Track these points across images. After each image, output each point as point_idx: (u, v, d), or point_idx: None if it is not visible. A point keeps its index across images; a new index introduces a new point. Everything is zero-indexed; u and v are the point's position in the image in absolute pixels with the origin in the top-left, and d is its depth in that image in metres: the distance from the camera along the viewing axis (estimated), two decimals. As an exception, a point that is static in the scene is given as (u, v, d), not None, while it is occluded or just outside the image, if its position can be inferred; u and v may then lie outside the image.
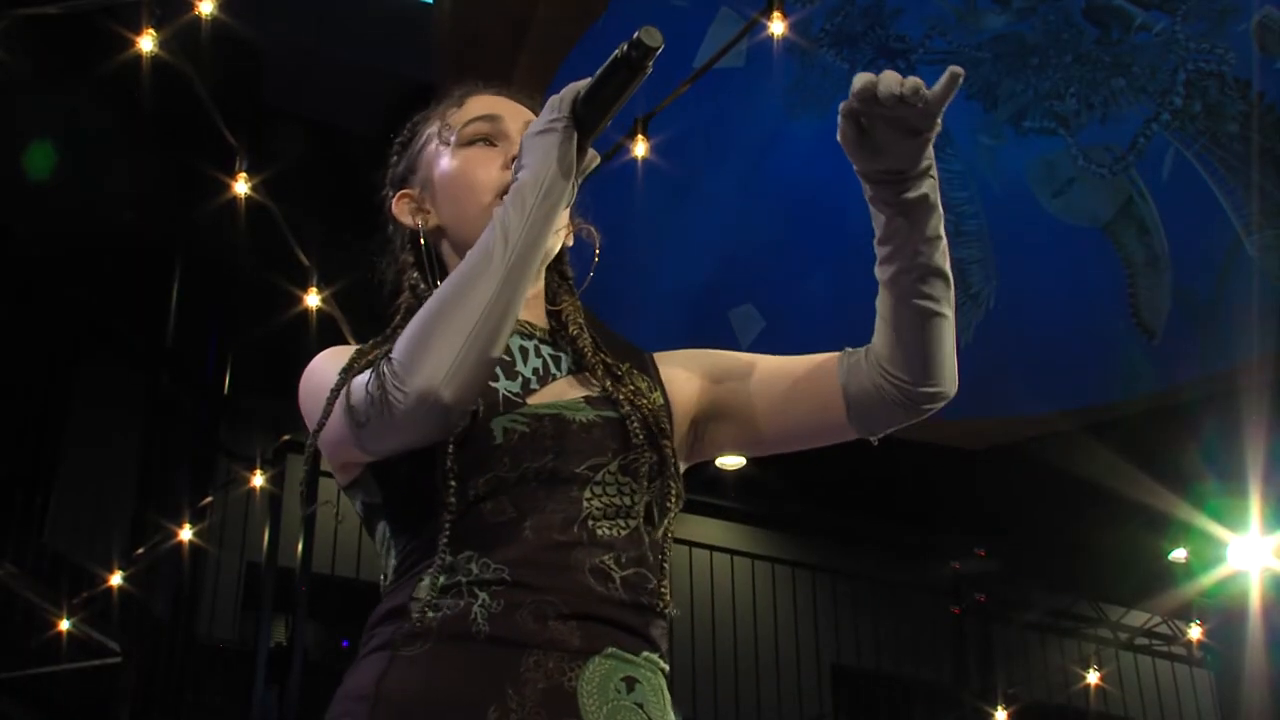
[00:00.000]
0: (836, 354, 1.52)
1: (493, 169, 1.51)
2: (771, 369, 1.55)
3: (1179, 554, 8.03)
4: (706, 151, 6.14)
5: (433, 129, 1.59)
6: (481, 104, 1.58)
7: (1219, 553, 6.50)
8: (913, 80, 1.33)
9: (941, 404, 1.49)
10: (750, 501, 8.51)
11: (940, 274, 1.44)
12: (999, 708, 7.93)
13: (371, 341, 1.49)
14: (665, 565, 1.47)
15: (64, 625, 5.68)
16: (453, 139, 1.55)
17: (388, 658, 1.34)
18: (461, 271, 1.33)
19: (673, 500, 1.46)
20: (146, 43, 4.45)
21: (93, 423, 6.85)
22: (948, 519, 8.22)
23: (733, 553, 8.15)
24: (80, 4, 4.64)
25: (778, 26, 4.16)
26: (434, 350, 1.29)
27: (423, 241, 1.55)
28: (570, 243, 1.61)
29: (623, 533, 1.40)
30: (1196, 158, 6.11)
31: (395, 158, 1.63)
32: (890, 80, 1.33)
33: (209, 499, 6.73)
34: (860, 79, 1.34)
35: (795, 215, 6.27)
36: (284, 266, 5.46)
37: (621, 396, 1.45)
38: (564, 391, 1.48)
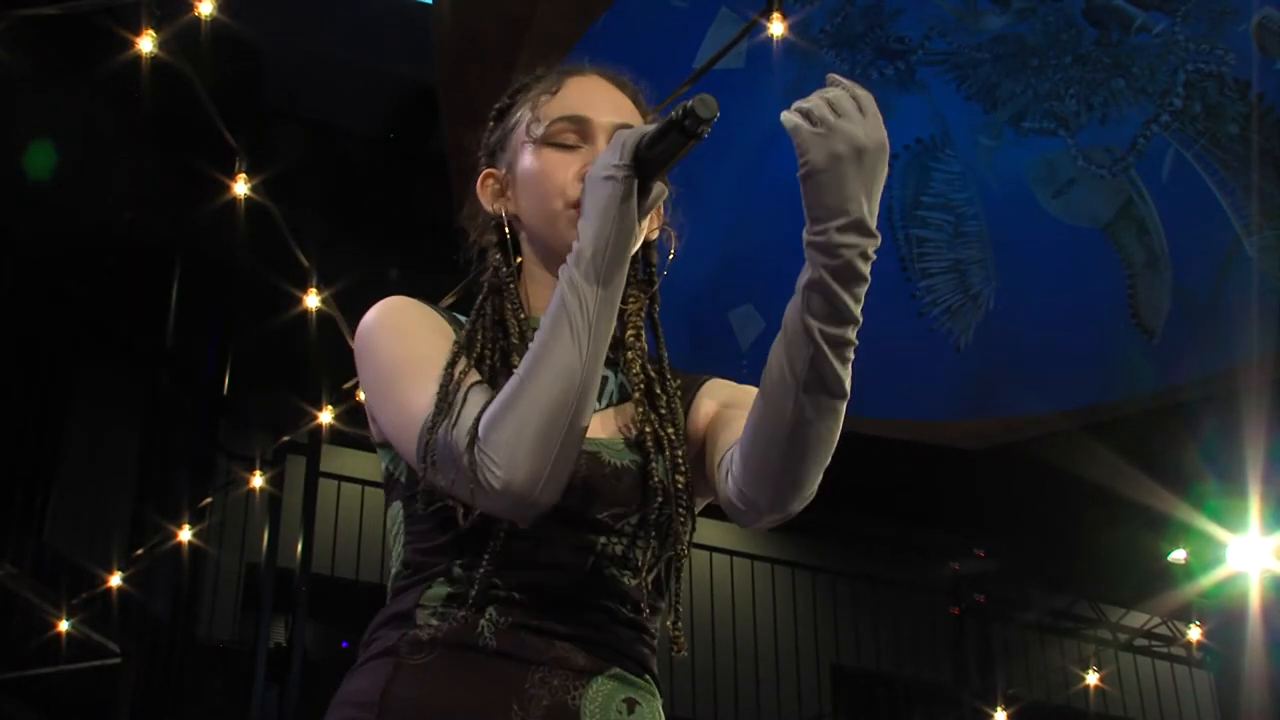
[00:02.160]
0: None
1: (569, 174, 1.48)
2: (723, 423, 1.50)
3: (1178, 555, 8.03)
4: (706, 152, 6.14)
5: (527, 109, 1.56)
6: (574, 95, 1.54)
7: (1218, 553, 6.50)
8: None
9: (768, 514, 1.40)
10: (750, 502, 8.50)
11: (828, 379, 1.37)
12: (998, 708, 7.93)
13: (460, 341, 1.43)
14: (678, 607, 1.46)
15: (63, 626, 5.69)
16: (539, 133, 1.52)
17: (393, 665, 1.34)
18: (543, 347, 1.30)
19: (681, 560, 1.45)
20: (146, 43, 4.45)
21: (92, 423, 6.85)
22: (947, 519, 8.22)
23: (732, 553, 8.15)
24: (80, 4, 4.64)
25: (777, 27, 4.16)
26: (530, 449, 1.27)
27: (507, 231, 1.54)
28: (654, 238, 1.62)
29: (633, 581, 1.41)
30: (1196, 158, 6.12)
31: (492, 125, 1.61)
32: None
33: (208, 499, 6.72)
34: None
35: (795, 215, 6.25)
36: (283, 266, 5.46)
37: (650, 442, 1.43)
38: (606, 424, 1.47)
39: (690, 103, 1.29)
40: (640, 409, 1.46)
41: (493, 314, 1.49)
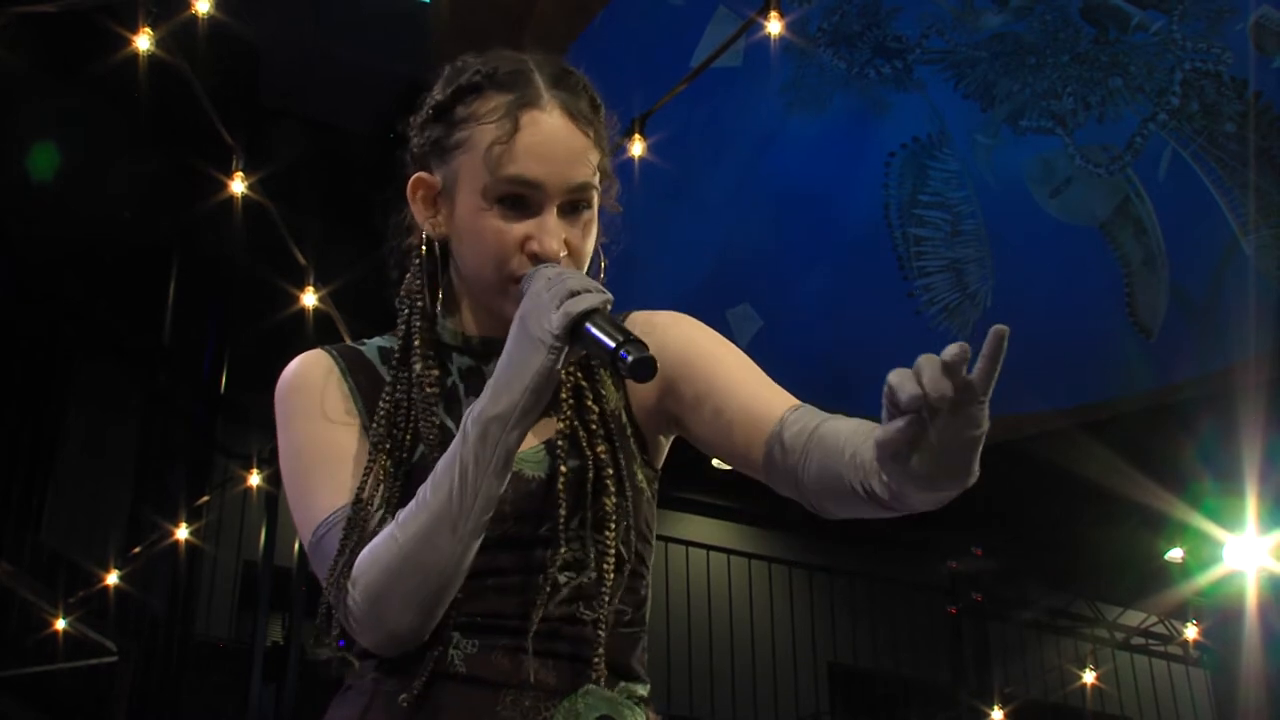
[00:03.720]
0: (780, 410, 1.39)
1: (514, 242, 1.40)
2: (723, 396, 1.44)
3: (1175, 553, 8.04)
4: (704, 150, 6.15)
5: (477, 139, 1.42)
6: (530, 145, 1.40)
7: (1215, 552, 6.50)
8: (955, 349, 1.13)
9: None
10: (748, 500, 8.51)
11: None
12: (995, 706, 7.93)
13: (374, 442, 1.41)
14: (645, 591, 1.45)
15: (61, 624, 5.68)
16: (487, 187, 1.40)
17: (370, 693, 1.37)
18: (422, 527, 1.30)
19: (632, 542, 1.42)
20: (143, 41, 4.45)
21: (89, 421, 6.85)
22: (944, 518, 8.20)
23: (730, 552, 8.16)
24: (77, 1, 4.63)
25: (775, 25, 4.16)
26: (397, 616, 1.32)
27: (425, 251, 1.47)
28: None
29: (589, 580, 1.38)
30: (1193, 157, 6.12)
31: (430, 113, 1.48)
32: (933, 371, 1.13)
33: (206, 497, 6.73)
34: (897, 379, 1.14)
35: (792, 214, 6.28)
36: (281, 265, 5.46)
37: (561, 451, 1.39)
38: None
39: (634, 358, 1.25)
40: (564, 414, 1.42)
41: (400, 386, 1.43)
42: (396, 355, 1.45)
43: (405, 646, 1.34)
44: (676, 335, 1.49)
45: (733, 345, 1.49)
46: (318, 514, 1.38)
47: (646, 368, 1.25)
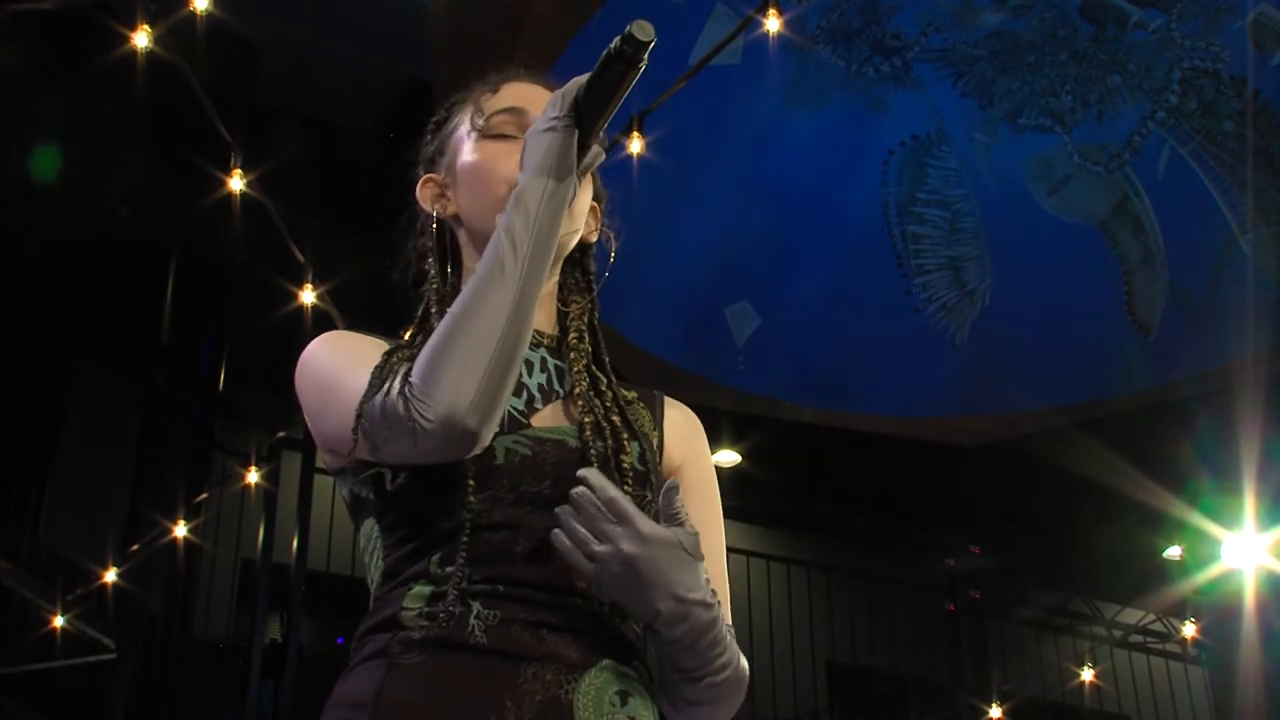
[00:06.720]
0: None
1: (511, 163, 1.48)
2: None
3: (1174, 551, 8.04)
4: (702, 148, 6.15)
5: (466, 113, 1.58)
6: (513, 93, 1.57)
7: (1213, 550, 6.50)
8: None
9: None
10: (746, 499, 8.52)
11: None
12: (994, 704, 7.94)
13: (398, 344, 1.46)
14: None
15: (59, 621, 5.68)
16: (479, 128, 1.55)
17: (386, 665, 1.34)
18: (474, 286, 1.33)
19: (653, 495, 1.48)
20: (141, 38, 4.44)
21: (88, 419, 6.85)
22: (943, 516, 8.23)
23: (729, 550, 8.15)
24: (75, -1, 4.63)
25: (773, 23, 4.16)
26: (456, 376, 1.29)
27: (439, 227, 1.56)
28: (593, 239, 1.61)
29: None
30: (1192, 155, 6.13)
31: (429, 137, 1.63)
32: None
33: (204, 495, 6.72)
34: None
35: (791, 212, 6.28)
36: (279, 263, 5.46)
37: (589, 430, 1.44)
38: (567, 413, 1.48)
39: (628, 28, 1.28)
40: (582, 402, 1.48)
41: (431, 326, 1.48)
42: (417, 320, 1.53)
43: (463, 434, 1.30)
44: (700, 442, 1.61)
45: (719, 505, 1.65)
46: (362, 384, 1.37)
47: (644, 28, 1.30)
